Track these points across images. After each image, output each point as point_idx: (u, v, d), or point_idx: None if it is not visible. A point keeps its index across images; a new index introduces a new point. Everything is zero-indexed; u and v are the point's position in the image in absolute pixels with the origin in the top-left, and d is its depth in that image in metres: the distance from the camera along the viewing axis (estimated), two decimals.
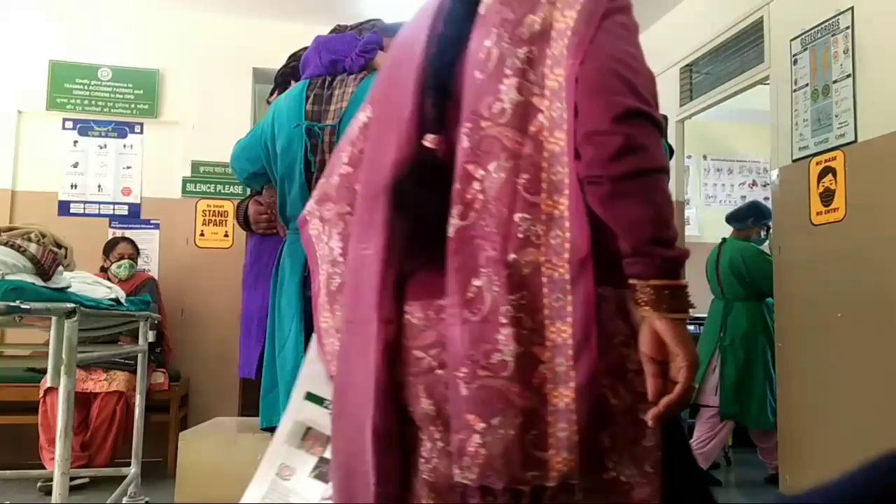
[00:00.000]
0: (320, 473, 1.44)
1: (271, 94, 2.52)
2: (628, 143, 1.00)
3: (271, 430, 2.12)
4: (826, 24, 3.45)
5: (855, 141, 3.25)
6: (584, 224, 1.02)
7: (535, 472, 1.01)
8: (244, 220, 2.46)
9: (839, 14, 3.37)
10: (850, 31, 3.30)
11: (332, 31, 2.32)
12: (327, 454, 1.36)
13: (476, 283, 1.04)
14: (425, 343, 1.11)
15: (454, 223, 1.06)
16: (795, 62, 3.66)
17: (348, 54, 2.04)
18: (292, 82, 2.25)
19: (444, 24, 1.17)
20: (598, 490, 1.05)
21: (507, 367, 1.01)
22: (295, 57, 2.47)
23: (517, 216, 1.03)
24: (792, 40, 3.68)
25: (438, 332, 1.09)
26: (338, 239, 1.29)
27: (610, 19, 1.07)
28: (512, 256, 1.03)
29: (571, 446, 1.00)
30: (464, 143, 1.07)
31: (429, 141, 1.11)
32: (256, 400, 5.27)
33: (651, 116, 1.03)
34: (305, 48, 2.28)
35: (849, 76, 3.30)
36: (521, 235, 1.03)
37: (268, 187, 2.28)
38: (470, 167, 1.07)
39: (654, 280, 1.01)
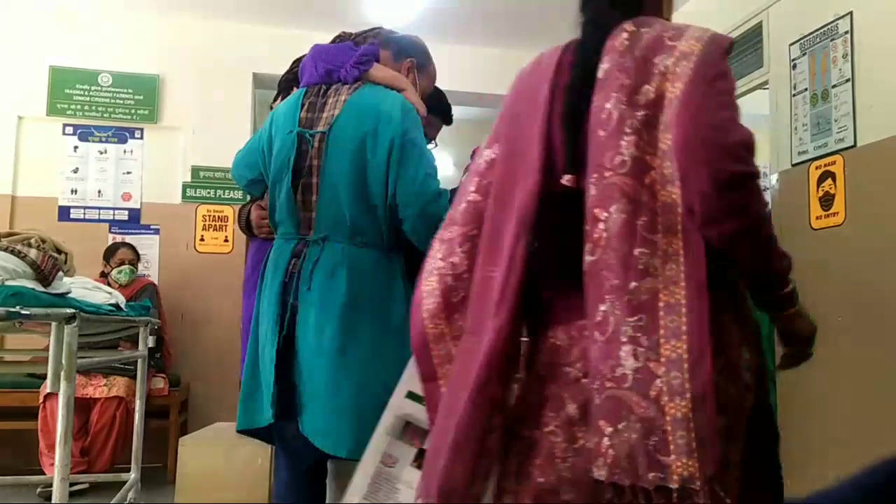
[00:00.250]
0: (421, 464, 1.60)
1: (274, 99, 2.54)
2: (732, 208, 1.17)
3: (250, 432, 2.10)
4: (825, 28, 3.45)
5: (854, 145, 3.25)
6: (699, 259, 1.20)
7: (659, 473, 1.15)
8: (246, 225, 2.47)
9: (838, 18, 3.37)
10: (849, 35, 3.31)
11: (335, 39, 2.33)
12: (426, 446, 1.51)
13: (602, 307, 1.22)
14: (571, 359, 1.31)
15: (587, 259, 1.26)
16: (794, 67, 3.67)
17: (343, 65, 2.05)
18: (294, 88, 2.26)
19: (567, 82, 1.37)
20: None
21: (627, 379, 1.18)
22: (298, 62, 2.48)
23: (637, 251, 1.21)
24: (791, 45, 3.69)
25: (581, 348, 1.28)
26: (463, 257, 1.45)
27: (712, 86, 1.21)
28: (633, 284, 1.20)
29: (690, 452, 1.13)
30: (591, 190, 1.26)
31: (566, 180, 1.32)
32: None
33: (749, 174, 1.17)
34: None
35: (848, 80, 3.30)
36: (640, 267, 1.21)
37: (269, 193, 2.29)
38: (596, 210, 1.25)
39: (775, 313, 1.32)
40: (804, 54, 3.60)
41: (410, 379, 1.65)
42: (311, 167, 1.97)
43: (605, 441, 1.19)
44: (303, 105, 2.04)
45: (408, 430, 1.70)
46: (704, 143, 1.16)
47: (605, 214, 1.24)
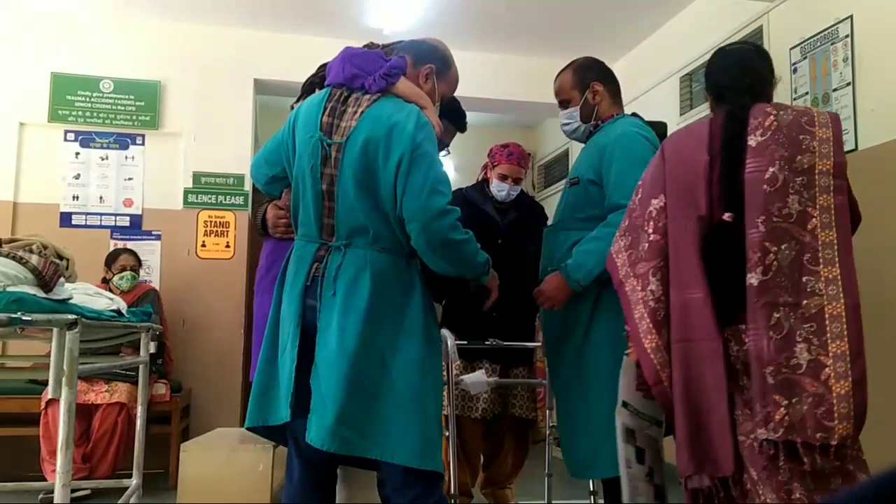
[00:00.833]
0: (643, 459, 2.04)
1: (297, 100, 2.54)
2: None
3: (260, 430, 2.12)
4: (825, 32, 3.46)
5: (855, 149, 3.25)
6: (853, 284, 1.77)
7: (824, 434, 1.71)
8: (262, 225, 2.46)
9: (838, 23, 3.38)
10: (849, 39, 3.31)
11: (364, 47, 2.32)
12: (640, 444, 2.02)
13: (776, 315, 1.77)
14: (733, 352, 1.86)
15: (757, 277, 1.78)
16: (795, 71, 3.67)
17: (372, 73, 2.05)
18: (317, 90, 2.26)
19: (722, 149, 1.89)
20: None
21: (801, 367, 1.75)
22: (324, 67, 2.49)
23: (804, 278, 1.78)
24: (791, 49, 3.69)
25: (742, 346, 1.83)
26: (658, 285, 1.91)
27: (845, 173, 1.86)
28: (804, 301, 1.77)
29: (849, 419, 1.73)
30: (760, 228, 1.79)
31: (728, 217, 1.84)
32: None
33: None
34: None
35: (848, 84, 3.31)
36: (808, 290, 1.78)
37: (287, 192, 2.28)
38: (766, 244, 1.78)
39: None
40: (805, 58, 3.60)
41: (625, 389, 2.02)
42: (330, 175, 1.99)
43: (781, 410, 1.73)
44: (325, 108, 2.04)
45: (630, 435, 2.02)
46: (852, 202, 1.90)
47: (776, 248, 1.78)
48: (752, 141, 1.85)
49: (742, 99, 1.95)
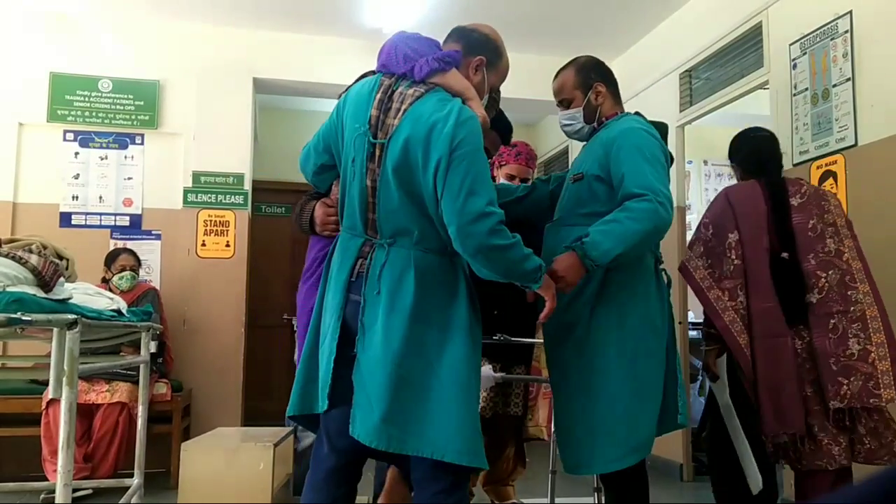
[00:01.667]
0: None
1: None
2: None
3: (299, 419, 2.10)
4: (825, 28, 3.45)
5: (855, 144, 3.25)
6: (879, 295, 2.62)
7: (875, 399, 2.50)
8: (309, 223, 2.42)
9: (838, 18, 3.37)
10: (848, 34, 3.31)
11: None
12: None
13: (832, 321, 2.59)
14: (797, 346, 2.65)
15: (816, 296, 2.62)
16: (795, 66, 3.67)
17: (424, 56, 2.02)
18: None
19: (774, 205, 2.73)
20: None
21: (855, 356, 2.54)
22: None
23: (849, 293, 2.60)
24: (791, 45, 3.69)
25: (803, 341, 2.64)
26: (742, 296, 2.68)
27: (852, 226, 2.76)
28: (851, 308, 2.58)
29: (893, 386, 2.50)
30: (811, 261, 2.64)
31: (785, 255, 2.68)
32: (259, 410, 5.29)
33: None
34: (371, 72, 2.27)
35: (848, 80, 3.30)
36: (853, 300, 2.59)
37: (336, 185, 2.24)
38: (818, 272, 2.62)
39: None
40: (804, 54, 3.60)
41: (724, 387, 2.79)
42: (374, 172, 1.96)
43: (844, 387, 2.52)
44: (374, 100, 2.00)
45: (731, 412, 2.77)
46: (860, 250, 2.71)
47: (825, 275, 2.62)
48: (794, 202, 2.73)
49: (778, 172, 2.88)
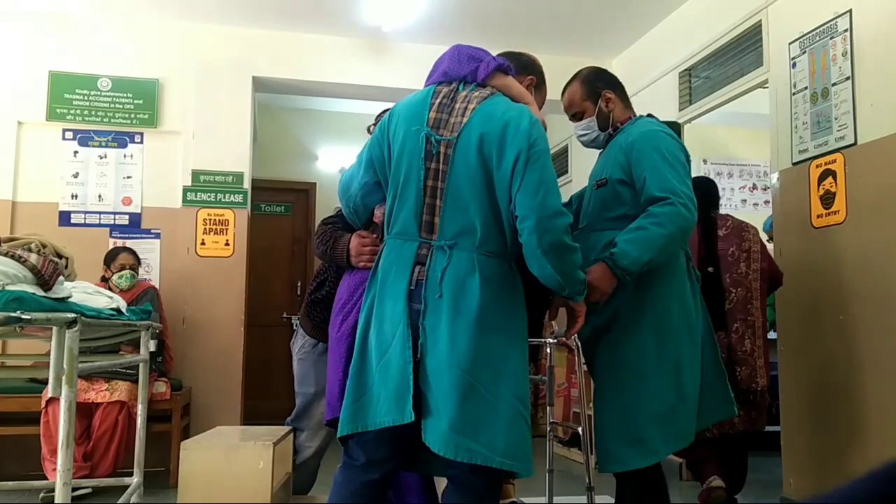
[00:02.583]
0: None
1: (374, 124, 2.71)
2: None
3: (352, 437, 1.99)
4: (824, 26, 3.45)
5: (855, 143, 3.25)
6: (765, 310, 3.56)
7: (755, 385, 3.42)
8: (345, 256, 2.37)
9: (837, 17, 3.37)
10: (848, 33, 3.31)
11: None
12: None
13: (735, 325, 3.42)
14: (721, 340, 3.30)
15: (727, 305, 3.45)
16: (794, 65, 3.66)
17: (485, 58, 2.05)
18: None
19: (704, 234, 3.52)
20: None
21: (748, 352, 3.42)
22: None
23: (748, 306, 3.46)
24: (790, 43, 3.69)
25: (720, 338, 3.20)
26: None
27: (767, 251, 3.64)
28: (749, 318, 3.44)
29: (765, 378, 3.45)
30: (728, 279, 3.46)
31: (710, 269, 3.46)
32: (258, 408, 5.28)
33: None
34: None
35: (848, 79, 3.30)
36: (750, 312, 3.46)
37: (378, 208, 2.21)
38: (731, 288, 3.46)
39: None
40: (804, 52, 3.59)
41: None
42: (437, 171, 1.93)
43: (738, 374, 3.33)
44: (432, 104, 1.99)
45: None
46: (773, 273, 3.60)
47: (735, 290, 3.44)
48: (720, 233, 3.54)
49: (710, 210, 3.59)
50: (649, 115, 2.54)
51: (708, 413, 2.37)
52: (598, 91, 2.51)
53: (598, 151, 2.60)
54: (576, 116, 2.56)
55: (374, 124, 2.77)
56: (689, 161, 2.40)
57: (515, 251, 1.97)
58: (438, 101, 1.99)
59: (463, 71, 2.04)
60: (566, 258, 1.93)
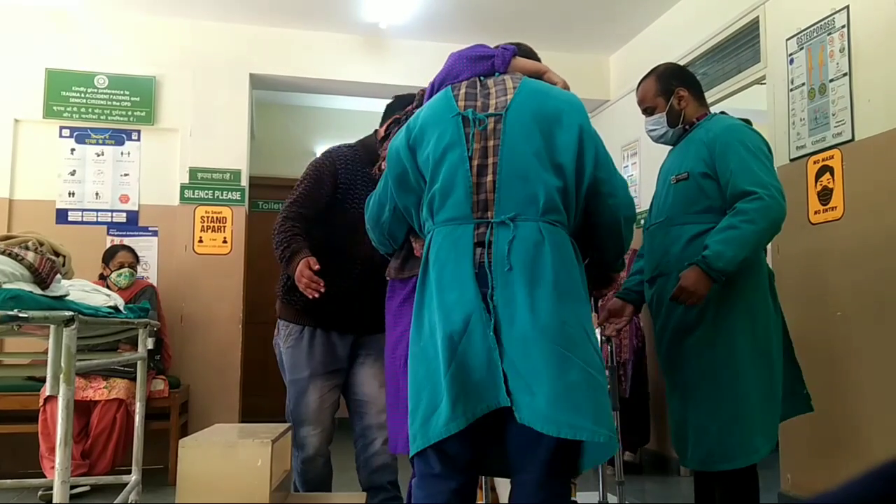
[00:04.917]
0: None
1: (381, 125, 2.81)
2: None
3: (425, 452, 1.84)
4: (822, 22, 3.45)
5: (852, 139, 3.25)
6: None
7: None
8: (294, 273, 2.45)
9: (835, 13, 3.37)
10: (845, 29, 3.31)
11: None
12: None
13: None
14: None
15: None
16: (792, 61, 3.67)
17: (495, 52, 2.04)
18: (397, 113, 2.40)
19: None
20: None
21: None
22: (399, 98, 2.70)
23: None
24: (788, 40, 3.69)
25: None
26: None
27: None
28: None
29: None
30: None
31: None
32: (256, 406, 5.27)
33: None
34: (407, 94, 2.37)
35: (845, 75, 3.30)
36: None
37: (428, 183, 2.05)
38: None
39: None
40: (801, 49, 3.59)
41: None
42: (485, 148, 1.87)
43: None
44: (456, 97, 1.94)
45: None
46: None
47: None
48: None
49: None
50: (722, 113, 2.59)
51: (787, 409, 2.40)
52: (671, 88, 2.55)
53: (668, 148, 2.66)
54: (647, 111, 2.62)
55: (384, 126, 2.78)
56: (771, 154, 2.44)
57: (574, 224, 1.93)
58: (463, 91, 1.95)
59: (477, 70, 2.02)
60: (632, 228, 2.03)
